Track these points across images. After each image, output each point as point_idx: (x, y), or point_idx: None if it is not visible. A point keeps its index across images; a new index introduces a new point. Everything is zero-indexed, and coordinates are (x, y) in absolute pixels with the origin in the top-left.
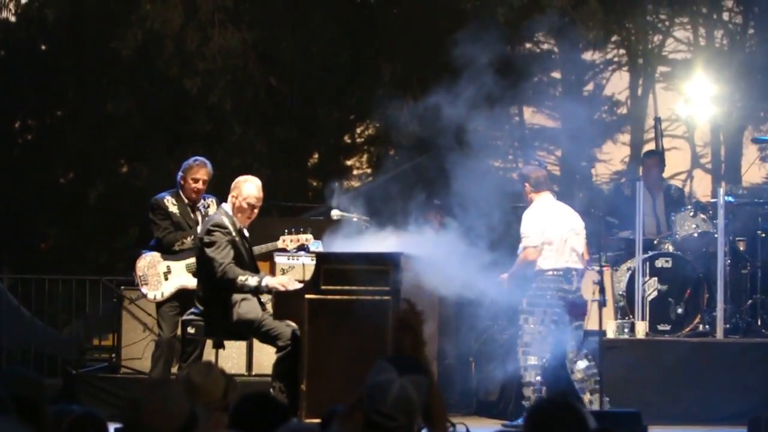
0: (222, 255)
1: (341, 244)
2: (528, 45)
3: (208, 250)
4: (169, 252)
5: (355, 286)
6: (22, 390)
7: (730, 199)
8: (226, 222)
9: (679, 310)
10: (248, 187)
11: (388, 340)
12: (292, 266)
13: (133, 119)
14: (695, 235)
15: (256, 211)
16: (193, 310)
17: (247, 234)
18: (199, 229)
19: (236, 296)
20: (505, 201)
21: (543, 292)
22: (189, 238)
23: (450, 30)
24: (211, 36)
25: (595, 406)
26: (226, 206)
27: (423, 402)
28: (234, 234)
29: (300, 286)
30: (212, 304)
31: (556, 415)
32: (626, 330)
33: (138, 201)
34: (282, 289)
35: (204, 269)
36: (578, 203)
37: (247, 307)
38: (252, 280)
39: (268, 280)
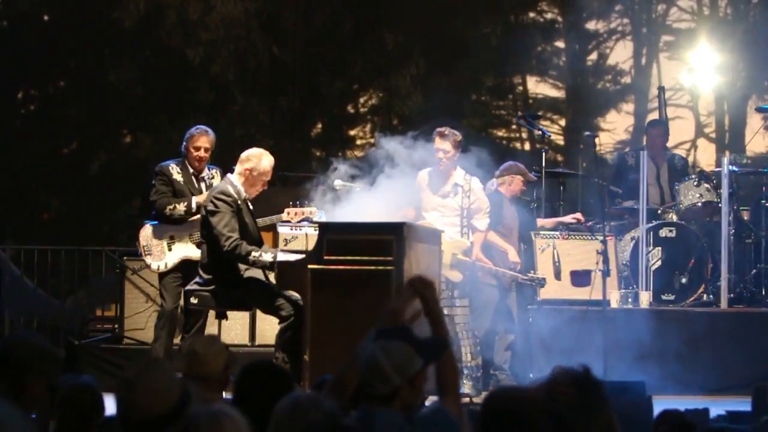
0: (229, 228)
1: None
2: (532, 14)
3: (212, 219)
4: (162, 218)
5: (358, 256)
6: (32, 359)
7: (734, 168)
8: (231, 191)
9: (683, 280)
10: (266, 162)
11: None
12: (295, 236)
13: (136, 89)
14: (699, 204)
15: (266, 185)
16: (196, 280)
17: (251, 206)
18: (201, 198)
19: (240, 266)
20: None
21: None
22: (182, 205)
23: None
24: (213, 5)
25: None
26: (233, 176)
27: (399, 366)
28: (240, 203)
29: (302, 257)
30: (217, 273)
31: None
32: (630, 300)
33: (140, 171)
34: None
35: (209, 237)
36: (582, 173)
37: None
38: (266, 256)
39: (282, 257)
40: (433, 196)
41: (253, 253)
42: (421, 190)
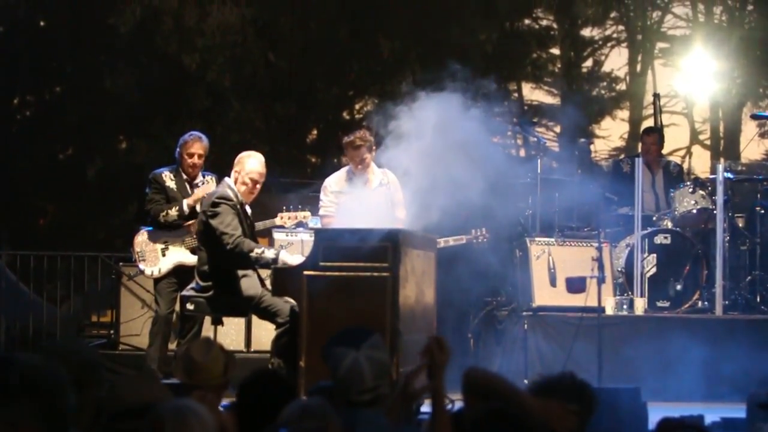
0: (231, 226)
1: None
2: (527, 21)
3: (213, 221)
4: (157, 224)
5: (353, 262)
6: (86, 371)
7: (729, 175)
8: (230, 194)
9: (678, 287)
10: (251, 163)
11: (385, 318)
12: (290, 242)
13: (132, 95)
14: (694, 211)
15: (258, 186)
16: (192, 286)
17: (249, 210)
18: (191, 200)
19: (237, 272)
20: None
21: None
22: (173, 210)
23: (449, 6)
24: (209, 12)
25: None
26: (229, 180)
27: (379, 375)
28: (239, 207)
29: (303, 259)
30: (214, 279)
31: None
32: (625, 306)
33: (137, 177)
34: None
35: (207, 243)
36: (577, 179)
37: (247, 284)
38: (269, 253)
39: (285, 257)
40: (359, 195)
41: (256, 250)
42: (337, 194)
